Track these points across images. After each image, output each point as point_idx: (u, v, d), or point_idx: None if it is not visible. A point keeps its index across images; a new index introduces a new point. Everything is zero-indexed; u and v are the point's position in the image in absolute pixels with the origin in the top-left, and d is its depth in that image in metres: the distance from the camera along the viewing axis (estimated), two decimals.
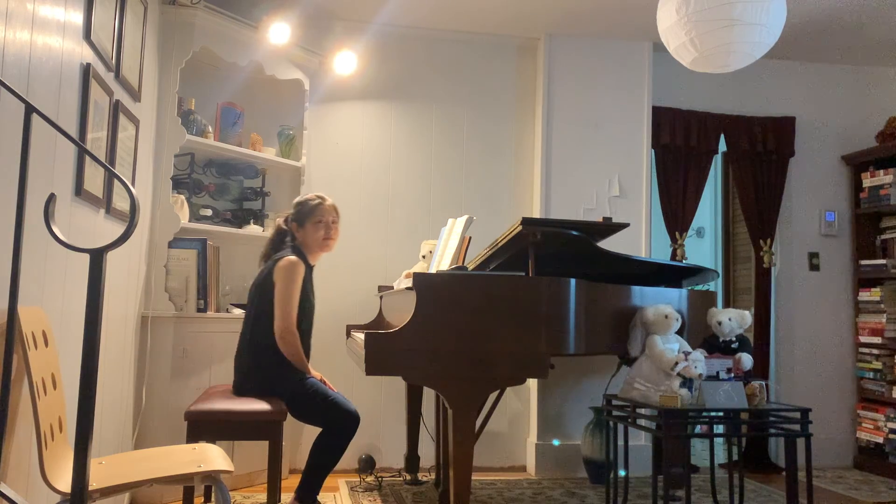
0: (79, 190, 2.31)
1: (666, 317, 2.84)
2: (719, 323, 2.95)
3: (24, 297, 1.84)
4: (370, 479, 3.82)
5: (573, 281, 2.56)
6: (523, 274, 2.55)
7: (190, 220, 3.58)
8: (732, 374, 2.78)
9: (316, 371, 3.06)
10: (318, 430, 2.88)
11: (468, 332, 2.42)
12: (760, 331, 4.41)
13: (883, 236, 4.50)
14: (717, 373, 2.77)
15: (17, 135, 1.71)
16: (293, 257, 2.92)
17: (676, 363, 2.73)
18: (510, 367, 2.45)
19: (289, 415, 2.82)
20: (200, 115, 3.67)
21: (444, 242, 3.15)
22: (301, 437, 3.95)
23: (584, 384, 4.15)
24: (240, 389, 2.93)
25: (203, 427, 2.71)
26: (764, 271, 4.48)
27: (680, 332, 2.94)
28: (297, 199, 3.17)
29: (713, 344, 2.97)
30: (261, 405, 2.76)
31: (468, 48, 4.36)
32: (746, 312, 3.00)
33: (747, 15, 2.61)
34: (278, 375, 2.89)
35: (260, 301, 2.95)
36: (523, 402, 4.26)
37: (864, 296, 4.45)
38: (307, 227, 3.06)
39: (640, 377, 2.86)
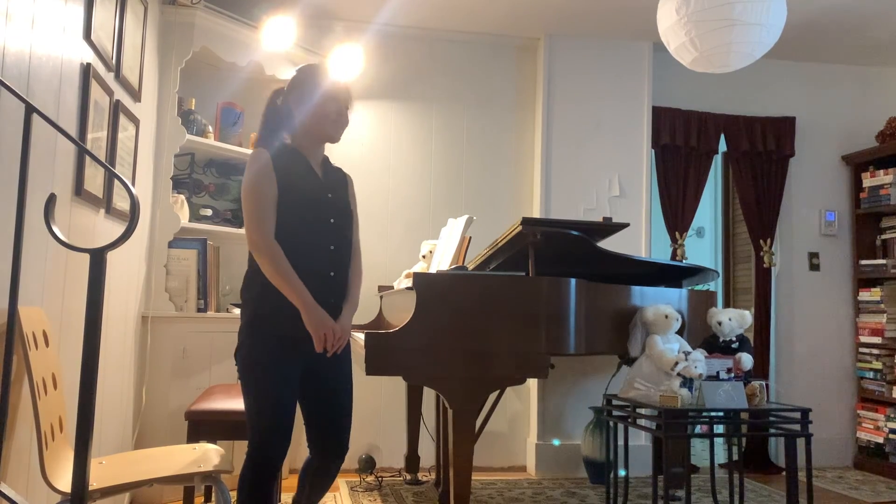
0: (79, 190, 2.31)
1: (666, 317, 2.84)
2: (719, 323, 2.95)
3: (25, 298, 1.84)
4: (370, 479, 3.82)
5: (573, 281, 2.56)
6: (523, 274, 2.55)
7: (190, 220, 3.58)
8: (732, 374, 2.78)
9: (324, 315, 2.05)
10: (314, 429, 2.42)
11: (468, 332, 2.42)
12: (760, 331, 4.41)
13: (883, 236, 4.50)
14: (717, 373, 2.77)
15: (17, 135, 1.71)
16: (256, 149, 2.18)
17: (676, 363, 2.73)
18: (510, 367, 2.45)
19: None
20: (200, 115, 3.67)
21: (444, 242, 3.15)
22: (301, 437, 3.93)
23: (584, 384, 4.15)
24: None
25: (203, 427, 2.71)
26: (764, 271, 4.48)
27: (680, 332, 2.94)
28: (298, 68, 2.33)
29: (713, 344, 2.97)
30: None
31: (468, 48, 4.36)
32: (746, 312, 3.00)
33: (747, 15, 2.62)
34: (241, 321, 2.14)
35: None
36: (523, 402, 4.25)
37: (864, 296, 4.45)
38: (308, 103, 2.18)
39: (640, 377, 2.86)
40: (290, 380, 2.07)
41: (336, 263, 2.16)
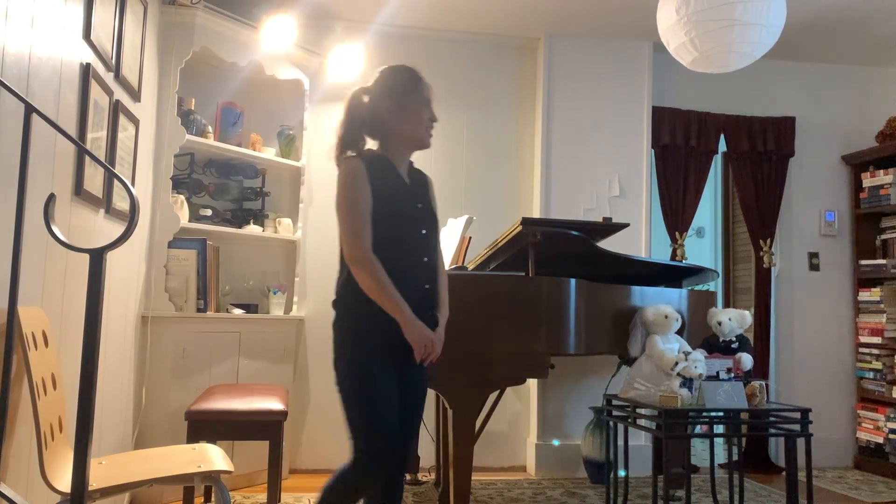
0: (79, 190, 2.31)
1: (666, 317, 2.84)
2: (719, 323, 2.95)
3: (24, 297, 1.84)
4: None
5: (573, 281, 2.56)
6: (523, 274, 2.55)
7: (190, 220, 3.58)
8: (732, 374, 2.78)
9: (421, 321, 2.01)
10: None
11: (468, 332, 2.42)
12: (760, 331, 4.41)
13: (883, 236, 4.50)
14: (717, 373, 2.77)
15: (17, 135, 1.71)
16: (349, 158, 2.11)
17: (676, 363, 2.73)
18: (510, 367, 2.45)
19: (288, 414, 2.78)
20: (200, 115, 3.67)
21: (444, 242, 3.15)
22: (301, 437, 3.94)
23: (584, 384, 4.15)
24: None
25: (203, 427, 2.71)
26: (764, 271, 4.48)
27: (680, 332, 2.94)
28: (387, 69, 2.39)
29: (713, 344, 2.97)
30: (261, 404, 2.76)
31: (468, 48, 4.36)
32: (746, 312, 3.00)
33: (747, 15, 2.62)
34: (336, 333, 2.09)
35: None
36: (523, 402, 4.25)
37: (864, 296, 4.45)
38: (403, 109, 2.21)
39: (640, 377, 2.86)
40: (392, 386, 2.05)
41: (431, 274, 2.12)
